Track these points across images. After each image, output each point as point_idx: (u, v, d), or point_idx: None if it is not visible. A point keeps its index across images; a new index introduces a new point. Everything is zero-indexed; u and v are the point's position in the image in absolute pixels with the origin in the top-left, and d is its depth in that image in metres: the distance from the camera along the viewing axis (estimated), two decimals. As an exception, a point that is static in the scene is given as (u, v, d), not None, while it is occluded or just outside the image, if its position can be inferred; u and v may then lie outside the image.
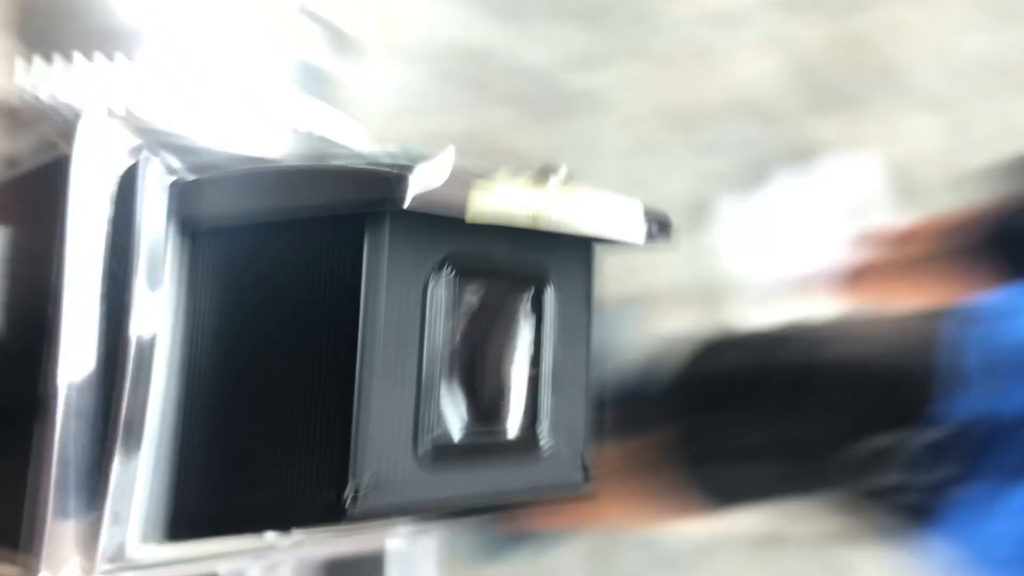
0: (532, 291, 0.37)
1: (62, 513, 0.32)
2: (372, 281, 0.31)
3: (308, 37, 0.42)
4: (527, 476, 0.36)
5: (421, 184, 0.29)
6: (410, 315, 0.32)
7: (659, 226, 0.36)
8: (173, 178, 0.35)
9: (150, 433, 0.33)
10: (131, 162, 0.34)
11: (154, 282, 0.33)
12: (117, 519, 0.32)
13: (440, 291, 0.34)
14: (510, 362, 0.36)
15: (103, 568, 0.32)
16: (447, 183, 0.30)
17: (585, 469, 0.37)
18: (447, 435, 0.34)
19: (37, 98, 0.38)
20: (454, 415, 0.35)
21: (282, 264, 0.33)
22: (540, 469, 0.36)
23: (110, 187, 0.34)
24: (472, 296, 0.35)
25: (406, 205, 0.29)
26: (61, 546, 0.31)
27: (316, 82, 0.41)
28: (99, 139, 0.34)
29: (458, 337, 0.35)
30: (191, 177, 0.35)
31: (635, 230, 0.34)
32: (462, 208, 0.30)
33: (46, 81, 0.38)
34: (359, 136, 0.44)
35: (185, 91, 0.38)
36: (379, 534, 0.40)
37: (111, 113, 0.36)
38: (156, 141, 0.35)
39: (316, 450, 0.31)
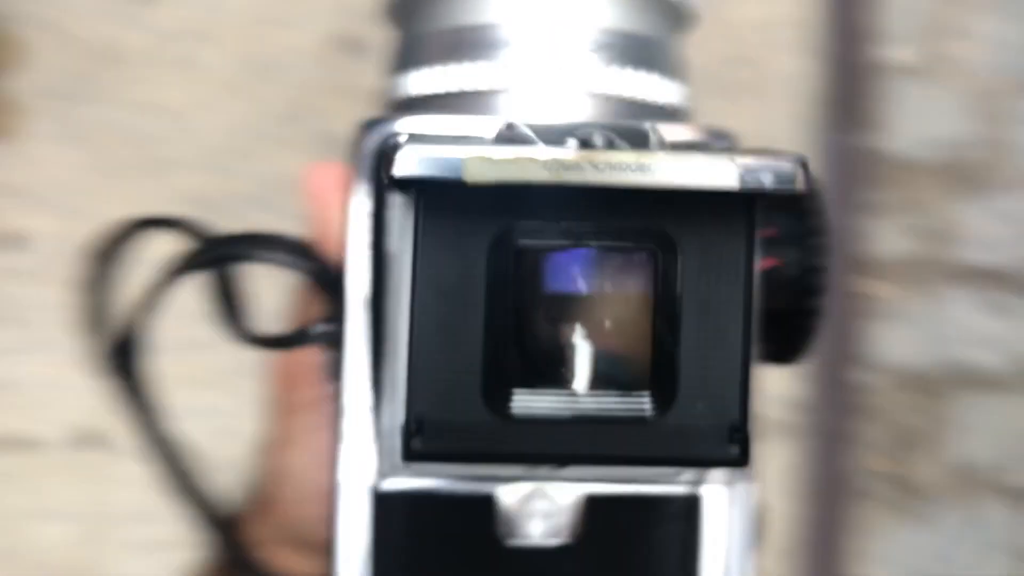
0: (654, 255, 0.35)
1: None
2: (420, 247, 0.33)
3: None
4: (653, 445, 0.35)
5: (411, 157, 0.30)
6: (469, 279, 0.33)
7: (772, 172, 0.31)
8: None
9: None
10: None
11: None
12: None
13: (509, 257, 0.34)
14: (634, 327, 0.35)
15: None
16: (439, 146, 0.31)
17: (740, 442, 0.34)
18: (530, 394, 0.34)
19: None
20: (543, 375, 0.35)
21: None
22: (673, 440, 0.34)
23: None
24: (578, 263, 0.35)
25: (393, 174, 0.30)
26: None
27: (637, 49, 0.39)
28: None
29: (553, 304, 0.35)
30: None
31: (725, 175, 0.30)
32: (459, 171, 0.30)
33: None
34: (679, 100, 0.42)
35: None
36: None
37: None
38: None
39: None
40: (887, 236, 1.73)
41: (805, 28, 1.68)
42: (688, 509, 0.36)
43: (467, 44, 0.38)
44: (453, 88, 0.38)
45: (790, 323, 0.39)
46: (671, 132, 0.36)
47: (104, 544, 1.58)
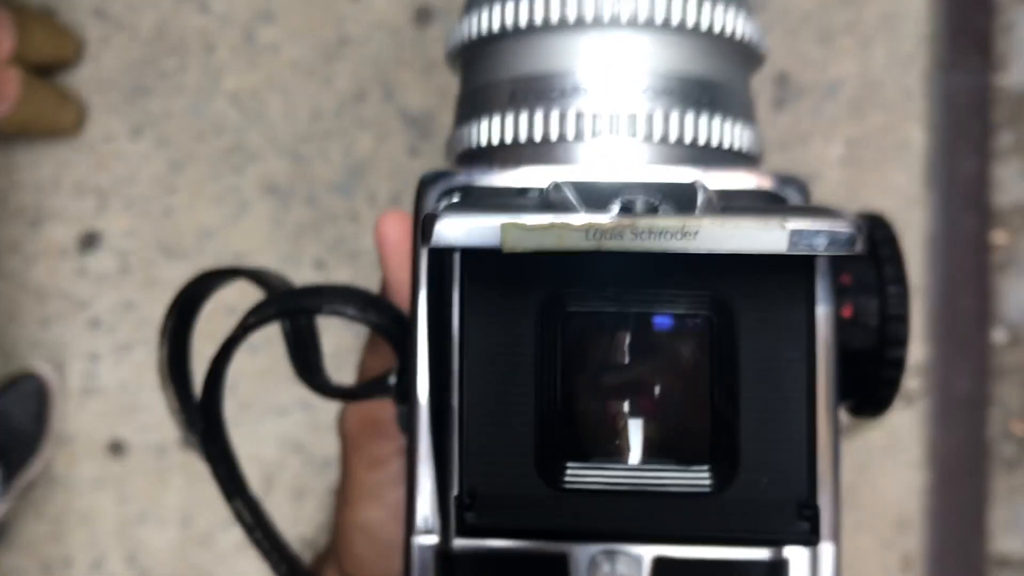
0: (709, 321, 0.33)
1: None
2: (467, 313, 0.32)
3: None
4: (714, 521, 0.33)
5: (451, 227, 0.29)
6: (517, 347, 0.32)
7: (826, 235, 0.29)
8: None
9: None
10: None
11: None
12: None
13: (557, 324, 0.33)
14: (691, 397, 0.34)
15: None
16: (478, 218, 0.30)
17: (809, 518, 0.32)
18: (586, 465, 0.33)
19: None
20: (602, 446, 0.34)
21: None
22: (736, 515, 0.33)
23: None
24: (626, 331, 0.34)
25: (431, 244, 0.29)
26: None
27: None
28: None
29: (598, 372, 0.34)
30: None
31: (773, 240, 0.29)
32: (496, 240, 0.29)
33: None
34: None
35: None
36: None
37: None
38: None
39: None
40: (1010, 180, 1.60)
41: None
42: (772, 573, 0.35)
43: (525, 95, 0.38)
44: (509, 139, 0.37)
45: (871, 375, 0.38)
46: (734, 180, 0.36)
47: (213, 546, 1.53)
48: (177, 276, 0.45)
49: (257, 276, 0.43)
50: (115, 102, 1.57)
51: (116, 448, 1.56)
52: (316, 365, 0.41)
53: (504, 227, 0.29)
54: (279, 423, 1.53)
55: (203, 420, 0.41)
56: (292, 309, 0.39)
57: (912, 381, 1.55)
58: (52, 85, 1.54)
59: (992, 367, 1.59)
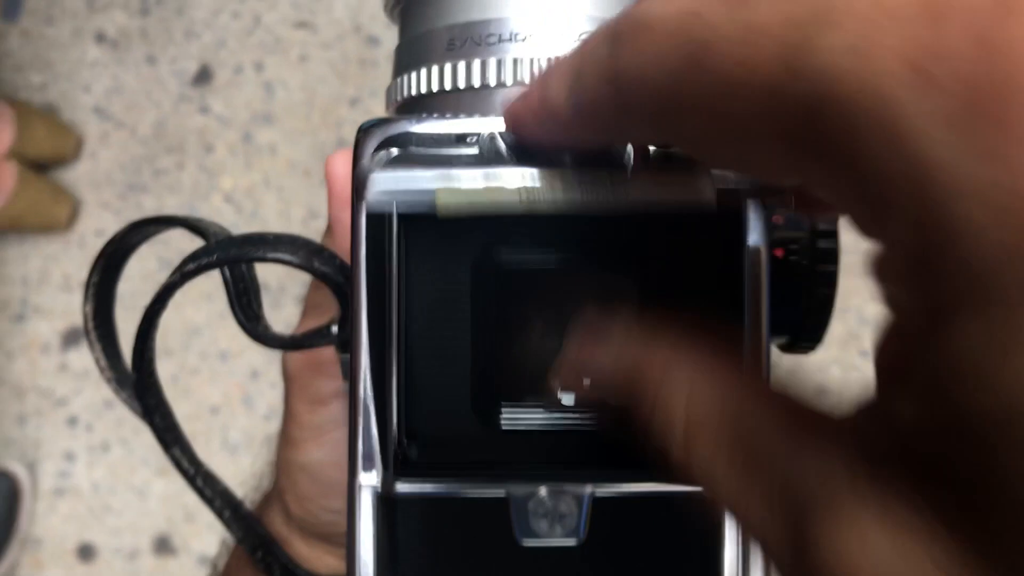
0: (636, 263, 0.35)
1: None
2: (405, 264, 0.34)
3: None
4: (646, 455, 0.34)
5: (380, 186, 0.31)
6: (454, 298, 0.34)
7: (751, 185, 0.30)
8: None
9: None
10: None
11: None
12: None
13: (491, 276, 0.34)
14: None
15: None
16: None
17: None
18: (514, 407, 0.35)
19: None
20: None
21: None
22: None
23: None
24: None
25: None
26: None
27: None
28: None
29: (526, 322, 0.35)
30: None
31: (702, 195, 0.30)
32: (431, 205, 0.30)
33: None
34: None
35: None
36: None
37: None
38: None
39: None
40: None
41: None
42: (703, 510, 0.35)
43: (463, 42, 0.38)
44: (448, 86, 0.38)
45: (802, 312, 0.39)
46: None
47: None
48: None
49: (192, 224, 0.42)
50: (109, 198, 1.57)
51: (85, 552, 1.49)
52: (256, 314, 0.41)
53: (438, 192, 0.29)
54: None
55: (135, 370, 0.41)
56: (235, 257, 0.38)
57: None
58: (47, 180, 1.54)
59: None
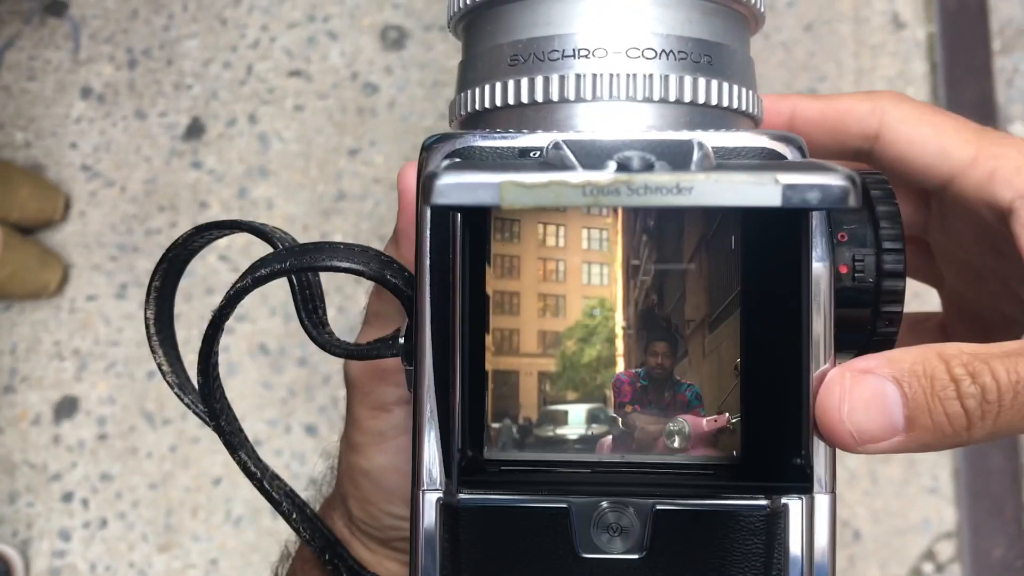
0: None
1: None
2: (466, 273, 0.34)
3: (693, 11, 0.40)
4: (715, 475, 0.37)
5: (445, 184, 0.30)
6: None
7: (819, 189, 0.29)
8: None
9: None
10: None
11: None
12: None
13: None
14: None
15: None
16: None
17: (804, 469, 0.34)
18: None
19: None
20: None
21: None
22: (737, 467, 0.37)
23: None
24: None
25: (432, 202, 0.29)
26: None
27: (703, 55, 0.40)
28: None
29: None
30: None
31: (767, 194, 0.29)
32: (496, 198, 0.30)
33: None
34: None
35: None
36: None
37: None
38: None
39: None
40: None
41: None
42: (767, 522, 0.36)
43: (526, 57, 0.38)
44: (512, 101, 0.38)
45: (867, 331, 0.39)
46: (733, 139, 0.37)
47: None
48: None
49: (257, 229, 0.42)
50: (100, 260, 1.51)
51: (83, 637, 1.41)
52: (322, 320, 0.41)
53: (503, 185, 0.29)
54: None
55: (201, 374, 0.41)
56: (307, 265, 0.38)
57: (943, 547, 1.45)
58: (34, 243, 1.47)
59: (1027, 529, 1.49)
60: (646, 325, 0.37)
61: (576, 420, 0.37)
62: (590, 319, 0.37)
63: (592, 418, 0.37)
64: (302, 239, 1.54)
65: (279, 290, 1.49)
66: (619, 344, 0.37)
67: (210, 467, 1.44)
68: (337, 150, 1.53)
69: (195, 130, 1.54)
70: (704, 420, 0.37)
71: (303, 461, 1.43)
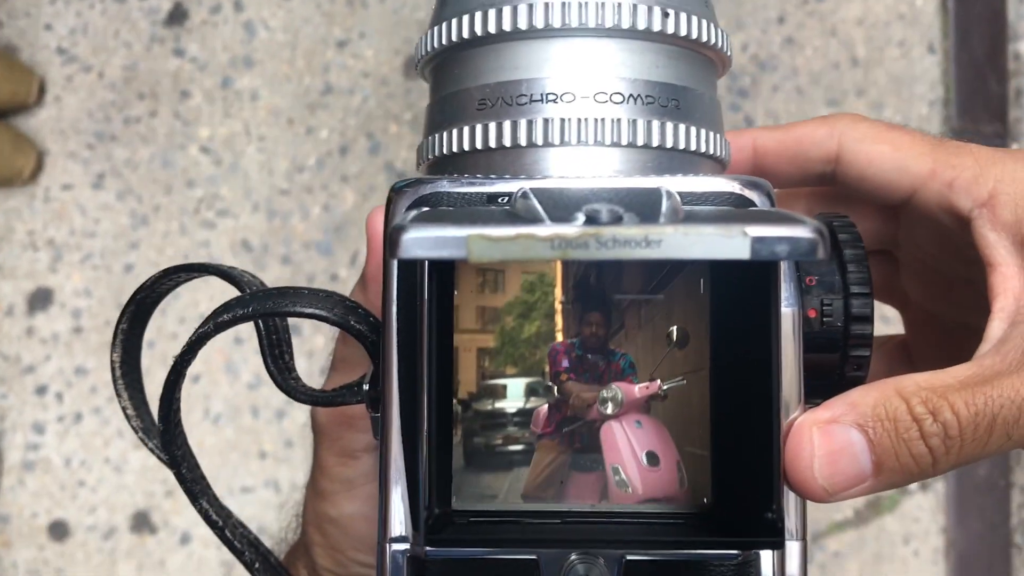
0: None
1: None
2: (434, 325, 0.34)
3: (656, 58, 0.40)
4: (687, 529, 0.37)
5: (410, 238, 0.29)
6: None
7: (788, 242, 0.29)
8: None
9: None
10: None
11: None
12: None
13: None
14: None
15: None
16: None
17: (775, 522, 0.34)
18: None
19: None
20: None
21: None
22: (707, 523, 0.37)
23: None
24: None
25: (398, 256, 0.29)
26: None
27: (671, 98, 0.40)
28: None
29: None
30: None
31: (735, 247, 0.29)
32: (463, 251, 0.29)
33: None
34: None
35: None
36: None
37: None
38: None
39: None
40: None
41: (921, 23, 1.49)
42: (738, 571, 0.36)
43: (494, 102, 0.38)
44: (480, 146, 0.38)
45: (835, 375, 0.39)
46: (701, 184, 0.36)
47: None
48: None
49: (224, 273, 0.41)
50: (76, 148, 1.45)
51: (57, 530, 1.39)
52: (288, 366, 0.41)
53: (470, 239, 0.29)
54: (242, 503, 1.37)
55: (163, 421, 0.40)
56: (270, 310, 0.38)
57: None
58: (7, 127, 1.42)
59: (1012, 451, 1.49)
60: (581, 296, 0.37)
61: (515, 394, 0.37)
62: (529, 295, 0.37)
63: (530, 391, 0.37)
64: (287, 134, 1.49)
65: (261, 183, 1.45)
66: (558, 319, 0.37)
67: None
68: (325, 41, 1.47)
69: (177, 16, 1.48)
70: (636, 387, 0.37)
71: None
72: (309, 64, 1.47)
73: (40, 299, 1.43)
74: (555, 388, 0.37)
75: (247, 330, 1.41)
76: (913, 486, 1.44)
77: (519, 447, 0.37)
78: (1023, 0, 1.55)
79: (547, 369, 0.37)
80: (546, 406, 0.37)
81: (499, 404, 0.37)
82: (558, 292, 0.37)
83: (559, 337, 0.37)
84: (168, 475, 1.40)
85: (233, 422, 1.39)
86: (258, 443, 1.38)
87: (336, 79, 1.47)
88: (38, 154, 1.44)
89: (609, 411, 0.37)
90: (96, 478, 1.40)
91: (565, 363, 0.37)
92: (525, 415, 0.37)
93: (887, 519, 1.44)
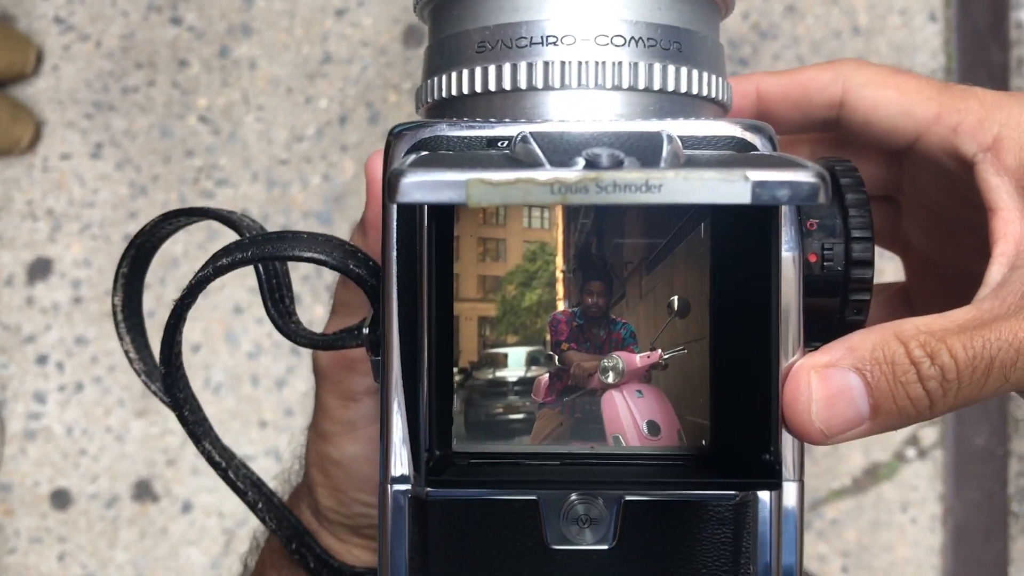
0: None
1: None
2: (433, 270, 0.34)
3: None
4: (685, 470, 0.37)
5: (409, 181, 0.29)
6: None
7: (789, 186, 0.29)
8: None
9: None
10: None
11: None
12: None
13: None
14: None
15: None
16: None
17: (773, 464, 0.34)
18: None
19: None
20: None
21: None
22: (706, 464, 0.37)
23: None
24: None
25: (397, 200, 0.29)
26: None
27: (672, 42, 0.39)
28: None
29: None
30: None
31: (736, 191, 0.29)
32: (462, 195, 0.29)
33: None
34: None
35: None
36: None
37: None
38: None
39: None
40: None
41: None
42: (736, 512, 0.36)
43: (494, 44, 0.38)
44: (479, 89, 0.38)
45: (835, 320, 0.39)
46: (703, 128, 0.36)
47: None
48: None
49: (224, 217, 0.41)
50: (74, 118, 1.45)
51: (59, 499, 1.40)
52: (289, 310, 0.41)
53: (469, 183, 0.28)
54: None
55: (164, 364, 0.41)
56: (269, 254, 0.38)
57: (926, 432, 1.45)
58: (4, 97, 1.41)
59: (1010, 418, 1.49)
60: (582, 265, 0.37)
61: (516, 362, 0.37)
62: (530, 263, 0.37)
63: (531, 360, 0.37)
64: (285, 103, 1.48)
65: (260, 153, 1.44)
66: (559, 288, 0.37)
67: (189, 334, 1.41)
68: (324, 9, 1.46)
69: (174, -17, 1.47)
70: (637, 357, 0.37)
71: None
72: (308, 33, 1.46)
73: (40, 269, 1.43)
74: (556, 357, 0.37)
75: (247, 299, 1.41)
76: (911, 454, 1.45)
77: (520, 416, 0.37)
78: (1026, -32, 1.54)
79: (548, 338, 0.37)
80: (547, 375, 0.37)
81: (500, 373, 0.37)
82: (559, 261, 0.37)
83: (560, 306, 0.37)
84: (170, 443, 1.41)
85: (234, 391, 1.40)
86: (258, 412, 1.39)
87: (335, 48, 1.46)
88: (36, 124, 1.43)
89: (610, 380, 0.37)
90: (98, 447, 1.40)
91: (566, 332, 0.37)
92: (526, 384, 0.37)
93: (885, 487, 1.45)
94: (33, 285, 1.43)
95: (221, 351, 1.40)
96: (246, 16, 1.46)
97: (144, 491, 1.40)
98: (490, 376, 0.37)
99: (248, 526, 1.38)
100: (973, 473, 1.48)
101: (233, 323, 1.41)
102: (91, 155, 1.44)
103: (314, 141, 1.44)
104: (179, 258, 1.42)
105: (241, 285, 1.40)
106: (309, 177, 1.43)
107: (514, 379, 0.37)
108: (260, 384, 1.38)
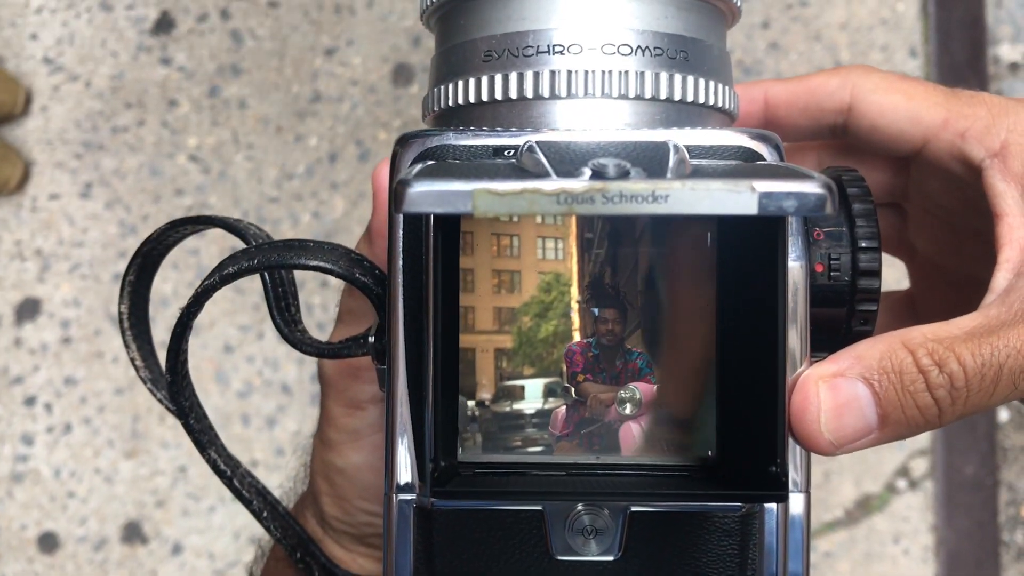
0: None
1: None
2: (439, 279, 0.34)
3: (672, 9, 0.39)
4: (691, 483, 0.37)
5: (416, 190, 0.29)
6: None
7: (795, 197, 0.29)
8: None
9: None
10: None
11: None
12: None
13: None
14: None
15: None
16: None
17: (779, 477, 0.33)
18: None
19: None
20: None
21: None
22: (712, 477, 0.36)
23: None
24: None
25: (402, 211, 0.29)
26: None
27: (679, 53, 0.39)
28: None
29: None
30: None
31: (743, 202, 0.29)
32: (468, 205, 0.29)
33: None
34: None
35: None
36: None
37: None
38: None
39: None
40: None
41: (903, 28, 1.51)
42: (742, 523, 0.36)
43: (501, 53, 0.38)
44: (485, 98, 0.38)
45: (842, 330, 0.39)
46: (709, 137, 0.36)
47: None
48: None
49: (230, 225, 0.41)
50: (63, 158, 1.45)
51: (47, 542, 1.38)
52: (295, 319, 0.41)
53: (476, 193, 0.28)
54: (234, 512, 1.37)
55: (170, 372, 0.41)
56: (276, 263, 0.38)
57: (917, 463, 1.46)
58: (-6, 138, 1.41)
59: (999, 448, 1.50)
60: (596, 295, 0.36)
61: (533, 395, 0.37)
62: (545, 294, 0.37)
63: (549, 392, 0.37)
64: (275, 141, 1.49)
65: (250, 191, 1.45)
66: (575, 318, 0.36)
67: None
68: (313, 49, 1.47)
69: (164, 24, 1.48)
70: (655, 387, 0.36)
71: (276, 367, 1.39)
72: (297, 72, 1.47)
73: (28, 309, 1.42)
74: (572, 389, 0.37)
75: (237, 337, 1.41)
76: (902, 485, 1.46)
77: (538, 449, 0.37)
78: (1001, 5, 1.58)
79: (564, 369, 0.37)
80: (564, 407, 0.37)
81: (517, 406, 0.37)
82: (574, 291, 0.36)
83: (576, 337, 0.37)
84: (159, 484, 1.40)
85: (224, 431, 1.39)
86: (249, 452, 1.38)
87: (324, 87, 1.47)
88: (25, 164, 1.43)
89: (628, 412, 0.37)
90: (87, 489, 1.39)
91: (581, 363, 0.37)
92: (543, 416, 0.37)
93: (877, 519, 1.45)
94: (21, 326, 1.42)
95: (211, 390, 1.40)
96: (235, 56, 1.47)
97: (133, 533, 1.38)
98: (507, 409, 0.37)
99: (240, 566, 1.37)
100: (964, 503, 1.48)
101: (223, 362, 1.41)
102: (80, 195, 1.44)
103: (304, 179, 1.45)
104: (168, 297, 1.41)
105: (231, 323, 1.40)
106: (300, 215, 1.44)
107: (531, 411, 0.37)
108: (251, 423, 1.37)
